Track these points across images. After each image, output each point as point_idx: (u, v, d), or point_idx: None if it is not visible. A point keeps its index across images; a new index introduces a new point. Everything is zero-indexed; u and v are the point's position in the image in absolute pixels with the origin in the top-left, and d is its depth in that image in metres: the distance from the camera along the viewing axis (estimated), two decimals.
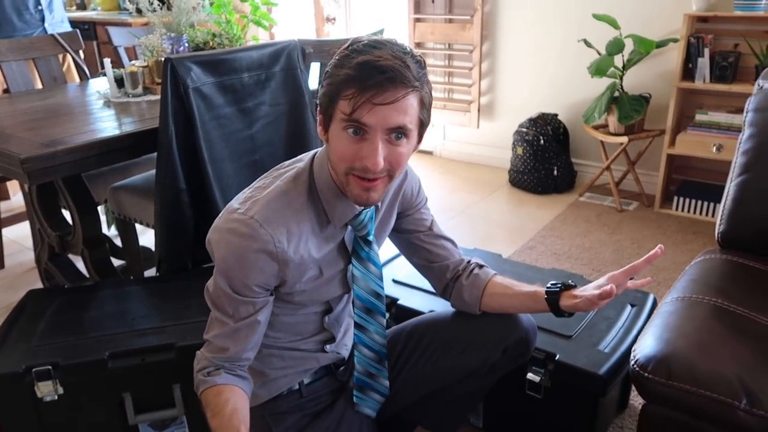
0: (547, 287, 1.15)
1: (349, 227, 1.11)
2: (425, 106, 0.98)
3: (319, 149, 1.10)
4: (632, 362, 1.04)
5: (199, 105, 1.67)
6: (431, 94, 1.00)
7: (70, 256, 2.26)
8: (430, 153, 3.99)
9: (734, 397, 0.92)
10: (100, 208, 2.60)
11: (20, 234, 2.86)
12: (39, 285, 2.37)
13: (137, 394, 1.48)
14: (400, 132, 0.94)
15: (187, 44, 2.29)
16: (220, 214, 1.06)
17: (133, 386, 1.47)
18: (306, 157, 1.11)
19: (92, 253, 2.04)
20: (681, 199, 2.92)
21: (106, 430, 1.50)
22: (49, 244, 2.21)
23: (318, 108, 1.00)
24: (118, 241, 2.48)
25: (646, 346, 1.05)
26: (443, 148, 3.91)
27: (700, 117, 2.78)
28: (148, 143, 1.75)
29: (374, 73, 0.89)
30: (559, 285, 1.13)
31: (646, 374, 1.00)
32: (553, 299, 1.12)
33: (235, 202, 1.04)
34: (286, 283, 1.05)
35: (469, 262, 1.27)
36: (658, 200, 2.98)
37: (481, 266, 1.27)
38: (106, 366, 1.42)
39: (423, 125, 1.00)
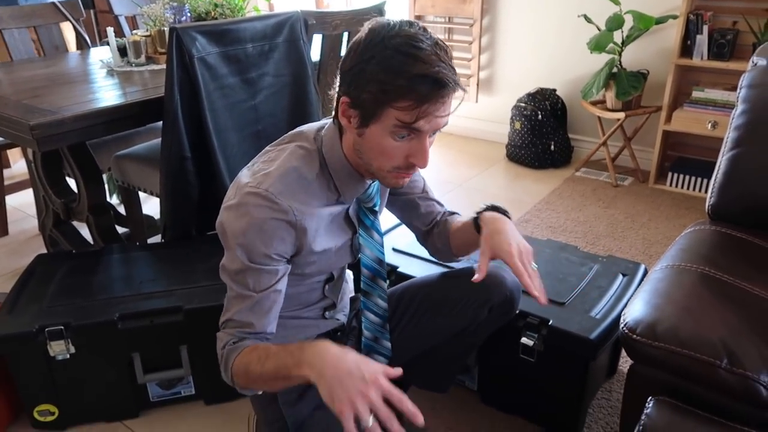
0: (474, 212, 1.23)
1: (355, 199, 1.16)
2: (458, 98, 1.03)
3: (323, 126, 1.12)
4: (622, 325, 1.10)
5: (204, 75, 1.70)
6: None
7: (75, 223, 2.30)
8: None
9: (716, 357, 0.98)
10: (104, 176, 2.63)
11: (22, 201, 2.90)
12: (43, 251, 2.41)
13: (146, 354, 1.54)
14: (439, 129, 1.01)
15: (189, 14, 2.30)
16: (228, 194, 1.06)
17: (142, 347, 1.53)
18: (308, 131, 1.12)
19: (97, 220, 2.07)
20: (675, 175, 2.97)
21: (115, 388, 1.56)
22: (54, 211, 2.25)
23: (349, 102, 0.99)
24: (120, 209, 2.52)
25: (635, 310, 1.10)
26: None
27: (696, 94, 2.82)
28: (153, 112, 1.78)
29: (435, 88, 0.92)
30: (484, 207, 1.21)
31: (634, 336, 1.06)
32: (476, 222, 1.20)
33: (243, 179, 1.05)
34: (301, 253, 1.08)
35: (443, 213, 1.35)
36: (653, 176, 3.03)
37: (451, 213, 1.36)
38: (116, 327, 1.48)
39: None
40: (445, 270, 1.42)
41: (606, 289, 1.54)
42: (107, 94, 1.83)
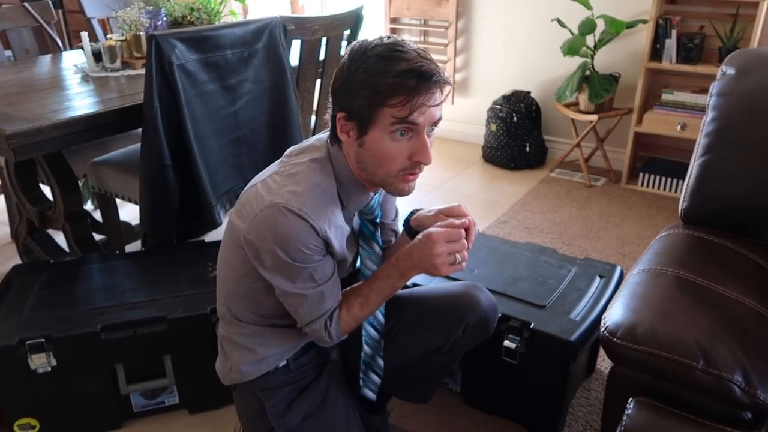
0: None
1: (357, 213, 1.18)
2: (444, 93, 1.06)
3: (327, 143, 1.12)
4: (602, 329, 1.13)
5: (183, 82, 1.69)
6: None
7: (50, 231, 2.26)
8: None
9: (692, 358, 1.02)
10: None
11: None
12: (16, 260, 2.36)
13: (129, 365, 1.53)
14: (435, 124, 1.04)
15: (165, 18, 2.28)
16: (252, 211, 1.05)
17: (125, 357, 1.52)
18: (317, 144, 1.14)
19: (74, 227, 2.05)
20: (646, 175, 3.05)
21: (98, 399, 1.54)
22: (28, 218, 2.21)
23: (344, 116, 1.02)
24: (95, 216, 2.49)
25: (614, 314, 1.14)
26: None
27: (666, 96, 2.89)
28: (132, 119, 1.76)
29: (423, 80, 0.97)
30: (411, 212, 1.26)
31: (614, 339, 1.09)
32: (406, 225, 1.24)
33: (267, 195, 1.05)
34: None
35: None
36: (625, 176, 3.10)
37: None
38: (99, 338, 1.47)
39: None
40: (424, 287, 1.44)
41: (584, 292, 1.58)
42: (84, 101, 1.80)
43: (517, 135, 3.28)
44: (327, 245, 1.08)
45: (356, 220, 1.19)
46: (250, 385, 1.23)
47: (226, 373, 1.26)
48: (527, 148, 3.32)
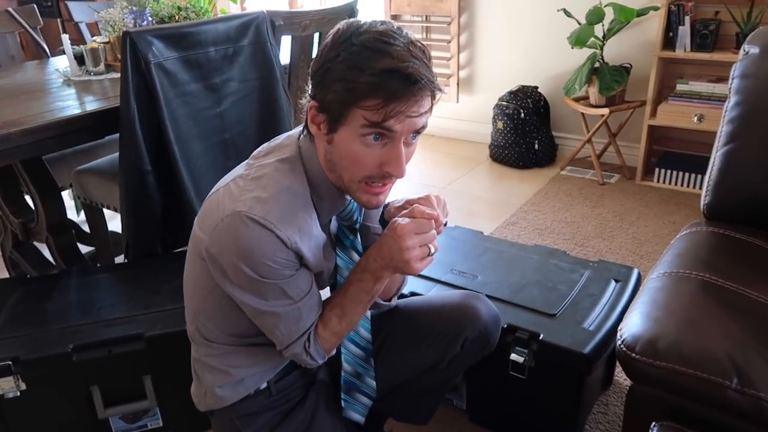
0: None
1: (334, 217, 1.05)
2: (434, 99, 0.92)
3: (301, 137, 1.00)
4: (618, 342, 1.00)
5: (162, 81, 1.58)
6: None
7: (37, 243, 2.17)
8: None
9: (724, 376, 0.89)
10: (68, 193, 2.50)
11: None
12: (4, 274, 2.27)
13: (106, 387, 1.42)
14: (418, 132, 0.90)
15: (150, 18, 2.18)
16: (210, 217, 0.94)
17: (101, 379, 1.41)
18: (287, 142, 1.01)
19: (57, 239, 1.95)
20: (662, 170, 2.90)
21: (75, 425, 1.44)
22: (13, 231, 2.12)
23: (316, 106, 0.90)
24: (86, 227, 2.39)
25: (632, 325, 1.01)
26: None
27: (681, 87, 2.75)
28: (111, 123, 1.66)
29: (405, 84, 0.83)
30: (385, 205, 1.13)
31: (633, 354, 0.96)
32: (381, 222, 1.14)
33: (229, 202, 0.92)
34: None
35: None
36: (640, 172, 2.95)
37: None
38: (71, 359, 1.36)
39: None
40: (420, 297, 1.31)
41: (598, 298, 1.45)
42: (62, 105, 1.70)
43: (525, 132, 3.14)
44: (299, 257, 0.95)
45: (334, 224, 1.07)
46: (228, 411, 1.11)
47: (201, 398, 1.14)
48: (536, 146, 3.18)
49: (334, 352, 1.08)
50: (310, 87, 0.92)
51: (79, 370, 1.37)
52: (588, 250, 2.37)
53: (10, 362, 1.32)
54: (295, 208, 0.94)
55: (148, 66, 1.54)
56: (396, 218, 0.95)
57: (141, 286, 1.60)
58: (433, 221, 0.94)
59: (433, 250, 0.95)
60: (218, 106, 1.77)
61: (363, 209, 1.10)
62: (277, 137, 1.05)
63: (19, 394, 1.35)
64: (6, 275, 2.25)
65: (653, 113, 2.81)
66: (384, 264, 0.96)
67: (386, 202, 1.13)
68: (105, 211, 2.06)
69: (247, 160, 1.02)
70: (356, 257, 1.09)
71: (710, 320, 0.98)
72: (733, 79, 1.35)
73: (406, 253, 0.92)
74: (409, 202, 1.00)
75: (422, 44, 0.89)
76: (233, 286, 0.94)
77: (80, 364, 1.37)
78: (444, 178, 3.16)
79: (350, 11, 2.15)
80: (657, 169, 2.91)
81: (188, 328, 1.11)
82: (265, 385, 1.12)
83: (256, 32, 1.82)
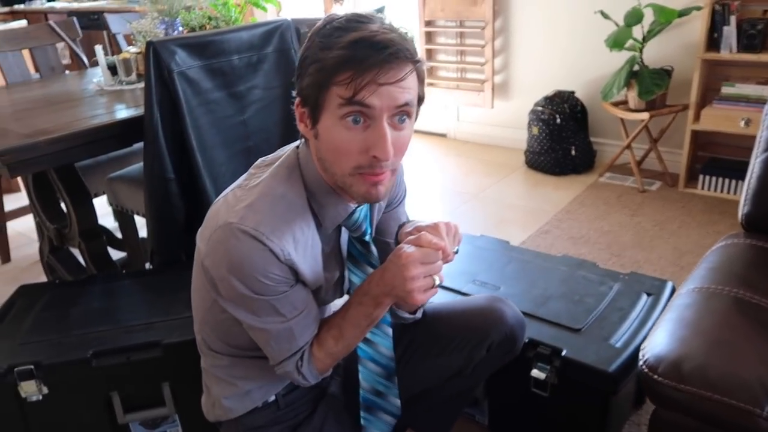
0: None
1: (343, 229, 1.02)
2: (422, 81, 0.88)
3: (300, 143, 0.98)
4: (641, 362, 0.94)
5: (185, 90, 1.60)
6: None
7: (73, 248, 2.23)
8: (443, 135, 3.86)
9: (754, 403, 0.81)
10: (105, 200, 2.56)
11: (29, 226, 2.85)
12: (43, 278, 2.34)
13: (125, 392, 1.43)
14: (404, 112, 0.85)
15: (181, 28, 2.21)
16: (209, 232, 0.91)
17: (121, 385, 1.42)
18: (290, 150, 0.98)
19: (89, 245, 1.99)
20: (707, 177, 2.76)
21: (95, 429, 1.45)
22: (49, 237, 2.18)
23: (299, 102, 0.88)
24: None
25: (656, 344, 0.94)
26: (457, 130, 3.78)
27: (726, 90, 2.61)
28: (138, 131, 1.68)
29: (375, 50, 0.79)
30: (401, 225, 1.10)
31: (655, 376, 0.90)
32: (395, 242, 1.09)
33: (224, 212, 0.90)
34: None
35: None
36: (683, 179, 2.82)
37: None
38: (90, 365, 1.37)
39: (420, 101, 0.90)
40: (442, 303, 1.26)
41: (628, 312, 1.38)
42: (92, 114, 1.74)
43: (561, 138, 3.05)
44: (294, 272, 0.92)
45: (344, 236, 1.03)
46: (236, 424, 1.10)
47: (209, 408, 1.13)
48: (573, 152, 3.08)
49: (329, 372, 1.05)
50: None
51: (99, 375, 1.39)
52: (624, 260, 2.27)
53: (32, 366, 1.34)
54: (291, 216, 0.91)
55: (171, 75, 1.56)
56: (402, 245, 0.91)
57: (162, 293, 1.61)
58: (440, 252, 0.90)
59: (438, 282, 0.90)
60: (242, 114, 1.78)
61: (373, 220, 1.07)
62: (284, 147, 1.03)
63: (41, 398, 1.37)
64: (44, 279, 2.32)
65: (696, 117, 2.68)
66: (386, 291, 0.92)
67: (404, 221, 1.10)
68: (136, 217, 2.10)
69: (250, 169, 1.01)
70: (371, 271, 1.04)
71: (742, 341, 0.91)
72: None
73: (410, 283, 0.88)
74: (417, 229, 0.96)
75: (404, 28, 0.86)
76: (224, 300, 0.93)
77: (100, 370, 1.38)
78: (477, 185, 3.10)
79: None
80: (701, 176, 2.78)
81: (196, 338, 1.11)
82: (273, 397, 1.11)
83: (281, 40, 1.82)
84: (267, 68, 1.81)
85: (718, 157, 2.84)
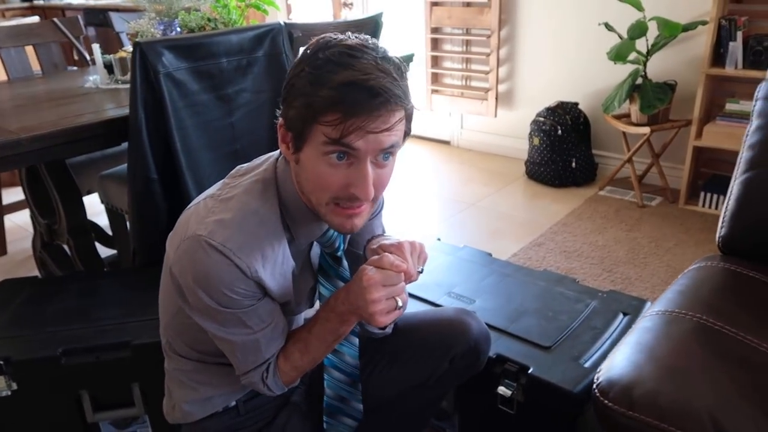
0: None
1: (315, 243, 1.01)
2: (410, 119, 0.87)
3: (280, 157, 0.96)
4: (594, 385, 0.92)
5: (171, 91, 1.60)
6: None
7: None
8: (447, 143, 3.85)
9: None
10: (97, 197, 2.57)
11: (28, 220, 2.88)
12: (35, 272, 2.37)
13: (95, 391, 1.43)
14: (389, 152, 0.85)
15: (179, 29, 2.22)
16: (178, 240, 0.91)
17: (91, 384, 1.42)
18: (268, 163, 0.97)
19: (77, 242, 2.01)
20: (708, 194, 2.72)
21: (66, 428, 1.45)
22: (40, 231, 2.20)
23: (283, 124, 0.87)
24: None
25: (610, 367, 0.92)
26: (460, 138, 3.76)
27: (730, 106, 2.57)
28: (123, 131, 1.69)
29: (366, 96, 0.78)
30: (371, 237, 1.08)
31: (606, 401, 0.88)
32: (364, 253, 1.07)
33: (194, 223, 0.89)
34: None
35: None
36: (683, 195, 2.78)
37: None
38: (60, 362, 1.38)
39: (406, 136, 0.89)
40: (411, 313, 1.24)
41: (601, 332, 1.35)
42: (79, 112, 1.75)
43: (562, 149, 3.02)
44: (261, 287, 0.91)
45: (316, 249, 1.02)
46: (191, 428, 1.09)
47: (169, 411, 1.13)
48: (573, 164, 3.05)
49: (296, 383, 1.04)
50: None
51: (68, 374, 1.39)
52: (616, 276, 2.24)
53: (2, 362, 1.35)
54: (261, 232, 0.90)
55: (157, 76, 1.57)
56: (365, 266, 0.89)
57: (140, 292, 1.61)
58: (402, 273, 0.88)
59: (400, 304, 0.89)
60: (230, 117, 1.78)
61: (347, 236, 1.06)
62: (261, 156, 1.03)
63: (10, 393, 1.38)
64: (37, 273, 2.34)
65: (699, 134, 2.64)
66: (350, 309, 0.91)
67: (379, 233, 1.09)
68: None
69: (224, 179, 1.00)
70: (341, 285, 1.04)
71: (696, 369, 0.88)
72: (756, 100, 1.24)
73: (372, 306, 0.86)
74: (381, 248, 0.94)
75: (398, 59, 0.84)
76: (191, 309, 0.92)
77: (69, 368, 1.38)
78: (475, 194, 3.08)
79: (374, 24, 2.13)
80: (702, 193, 2.73)
81: (162, 341, 1.11)
82: (233, 403, 1.10)
83: (272, 43, 1.82)
84: (257, 72, 1.81)
85: (721, 175, 2.78)
